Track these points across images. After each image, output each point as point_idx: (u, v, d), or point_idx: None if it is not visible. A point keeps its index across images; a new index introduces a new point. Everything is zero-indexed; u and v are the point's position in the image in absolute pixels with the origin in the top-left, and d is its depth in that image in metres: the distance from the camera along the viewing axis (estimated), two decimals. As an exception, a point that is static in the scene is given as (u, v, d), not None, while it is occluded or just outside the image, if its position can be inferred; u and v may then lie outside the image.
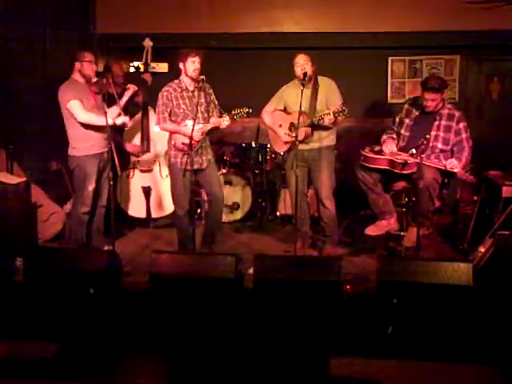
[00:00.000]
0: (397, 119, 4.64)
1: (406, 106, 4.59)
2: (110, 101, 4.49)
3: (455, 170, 4.15)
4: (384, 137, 4.57)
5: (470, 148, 4.33)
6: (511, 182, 4.28)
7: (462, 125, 4.33)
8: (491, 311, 3.34)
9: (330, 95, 4.46)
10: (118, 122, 4.54)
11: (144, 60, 5.39)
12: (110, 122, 4.30)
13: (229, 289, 3.37)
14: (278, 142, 4.67)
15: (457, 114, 4.37)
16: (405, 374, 2.90)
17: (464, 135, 4.33)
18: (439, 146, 4.32)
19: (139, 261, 4.44)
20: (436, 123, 4.35)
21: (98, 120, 4.41)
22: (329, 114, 4.26)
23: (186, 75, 4.34)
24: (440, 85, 4.29)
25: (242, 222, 5.76)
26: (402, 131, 4.52)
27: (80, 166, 4.50)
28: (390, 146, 4.40)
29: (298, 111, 4.19)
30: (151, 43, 5.38)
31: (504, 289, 3.50)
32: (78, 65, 4.47)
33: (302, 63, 4.38)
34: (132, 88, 4.79)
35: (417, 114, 4.48)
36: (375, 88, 6.35)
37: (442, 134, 4.33)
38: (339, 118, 4.30)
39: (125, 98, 4.70)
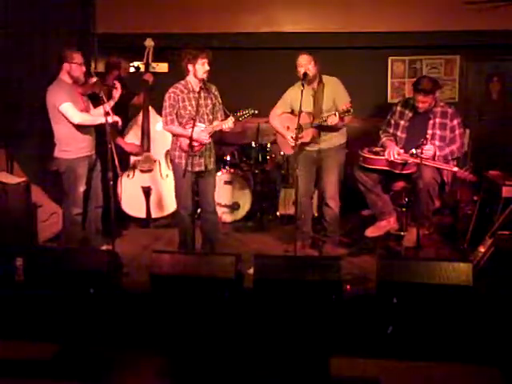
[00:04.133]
0: (392, 121, 4.60)
1: (399, 107, 4.57)
2: (97, 101, 4.46)
3: (429, 155, 4.13)
4: (383, 139, 4.55)
5: (462, 144, 4.35)
6: (511, 181, 4.28)
7: (455, 121, 4.36)
8: (491, 311, 3.34)
9: (337, 94, 4.43)
10: (110, 120, 4.42)
11: (145, 60, 5.40)
12: (103, 120, 4.21)
13: (229, 289, 3.36)
14: (286, 145, 4.63)
15: (450, 110, 4.38)
16: (405, 374, 2.90)
17: (457, 131, 4.35)
18: (437, 143, 4.32)
19: (139, 261, 4.44)
20: (431, 122, 4.36)
21: (92, 120, 4.41)
22: (334, 114, 4.24)
23: (196, 77, 4.26)
24: (432, 87, 4.27)
25: (242, 221, 5.76)
26: (399, 133, 4.50)
27: (71, 168, 4.46)
28: (393, 152, 4.29)
29: (299, 112, 4.17)
30: (152, 43, 5.39)
31: (504, 289, 3.50)
32: (66, 66, 4.40)
33: (304, 64, 4.36)
34: (119, 87, 4.69)
35: (410, 115, 4.47)
36: (375, 88, 6.35)
37: (438, 131, 4.34)
38: (345, 118, 4.27)
39: (112, 102, 4.60)
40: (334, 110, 4.33)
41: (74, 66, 4.40)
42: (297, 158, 4.30)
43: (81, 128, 4.43)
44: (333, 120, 4.26)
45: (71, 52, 4.44)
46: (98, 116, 4.45)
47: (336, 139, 4.53)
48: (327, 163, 4.52)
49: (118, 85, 4.73)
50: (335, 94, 4.44)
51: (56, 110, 4.37)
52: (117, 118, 4.49)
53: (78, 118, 4.36)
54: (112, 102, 4.58)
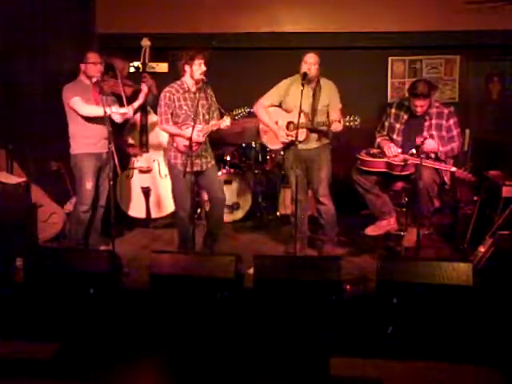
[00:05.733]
0: (386, 124, 4.59)
1: (393, 110, 4.54)
2: (119, 102, 4.55)
3: (430, 149, 4.14)
4: (378, 139, 4.55)
5: (461, 143, 4.35)
6: (511, 181, 4.28)
7: (451, 121, 4.34)
8: (491, 311, 3.34)
9: (331, 99, 4.43)
10: (120, 111, 4.55)
11: (142, 59, 5.39)
12: (109, 112, 4.30)
13: (229, 289, 3.36)
14: (273, 138, 4.62)
15: (445, 111, 4.36)
16: (405, 374, 2.90)
17: (455, 131, 4.34)
18: None
19: (139, 261, 4.44)
20: (427, 123, 4.35)
21: (98, 110, 4.42)
22: (339, 121, 4.19)
23: (192, 78, 4.27)
24: (428, 90, 4.25)
25: (242, 221, 5.76)
26: (394, 136, 4.49)
27: (77, 164, 4.56)
28: (393, 149, 4.32)
29: (299, 111, 4.16)
30: (149, 43, 5.38)
31: (504, 289, 3.50)
32: (82, 66, 4.54)
33: (311, 62, 4.32)
34: (144, 88, 4.82)
35: (406, 117, 4.45)
36: (375, 88, 6.34)
37: (434, 133, 4.33)
38: (348, 125, 4.18)
39: (138, 102, 4.74)
40: (325, 114, 4.34)
41: (88, 66, 4.51)
42: (288, 157, 4.31)
43: (90, 124, 4.49)
44: (336, 127, 4.24)
45: (87, 52, 4.56)
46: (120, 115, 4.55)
47: (320, 141, 4.50)
48: (316, 162, 4.50)
49: (144, 86, 4.86)
50: (330, 98, 4.43)
51: (67, 106, 4.49)
52: (126, 110, 4.57)
53: (85, 110, 4.45)
54: (137, 103, 4.72)
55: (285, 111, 4.50)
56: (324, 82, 4.48)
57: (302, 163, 4.50)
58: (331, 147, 4.64)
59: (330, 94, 4.44)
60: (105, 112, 4.21)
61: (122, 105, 4.61)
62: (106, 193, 4.66)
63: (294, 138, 4.19)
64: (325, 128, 4.33)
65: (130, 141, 5.48)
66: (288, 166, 4.58)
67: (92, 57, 4.52)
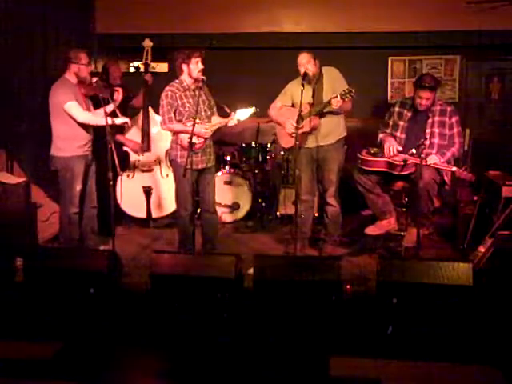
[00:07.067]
0: (389, 122, 4.60)
1: (397, 108, 4.57)
2: (98, 103, 4.48)
3: (433, 164, 4.15)
4: (381, 135, 4.57)
5: (461, 143, 4.37)
6: (511, 181, 4.28)
7: (454, 119, 4.38)
8: (491, 311, 3.34)
9: (335, 83, 4.42)
10: (118, 121, 4.50)
11: (144, 60, 5.40)
12: (110, 122, 4.24)
13: (229, 289, 3.36)
14: (285, 137, 4.62)
15: (449, 108, 4.40)
16: (405, 374, 2.90)
17: (456, 129, 4.38)
18: (436, 141, 4.34)
19: (139, 261, 4.45)
20: (430, 120, 4.37)
21: (96, 120, 4.42)
22: (336, 96, 4.20)
23: (190, 76, 4.28)
24: (435, 83, 4.33)
25: (242, 221, 5.76)
26: (398, 134, 4.50)
27: (67, 166, 4.48)
28: (393, 147, 4.34)
29: (299, 110, 4.16)
30: (151, 43, 5.39)
31: (504, 289, 3.50)
32: (74, 67, 4.43)
33: (304, 63, 4.36)
34: (120, 91, 4.73)
35: (409, 115, 4.48)
36: (375, 88, 6.34)
37: (436, 130, 4.35)
38: (347, 99, 4.21)
39: (114, 104, 4.64)
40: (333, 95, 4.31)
41: (81, 68, 4.43)
42: (297, 157, 4.31)
43: (80, 127, 4.45)
44: (336, 102, 4.22)
45: (78, 53, 4.46)
46: (101, 117, 4.42)
47: (333, 135, 4.52)
48: (326, 162, 4.52)
49: (119, 88, 4.78)
50: (334, 82, 4.43)
51: (60, 107, 4.39)
52: (126, 119, 4.55)
53: (83, 116, 4.40)
54: (114, 105, 4.61)
55: (295, 108, 4.50)
56: (325, 69, 4.50)
57: (311, 163, 4.51)
58: (346, 147, 4.64)
59: (333, 80, 4.45)
60: (107, 123, 4.14)
61: (98, 106, 4.53)
62: (94, 193, 4.66)
63: (297, 130, 4.18)
64: (327, 107, 4.32)
65: (131, 139, 5.47)
66: (298, 166, 4.48)
67: (85, 58, 4.44)
